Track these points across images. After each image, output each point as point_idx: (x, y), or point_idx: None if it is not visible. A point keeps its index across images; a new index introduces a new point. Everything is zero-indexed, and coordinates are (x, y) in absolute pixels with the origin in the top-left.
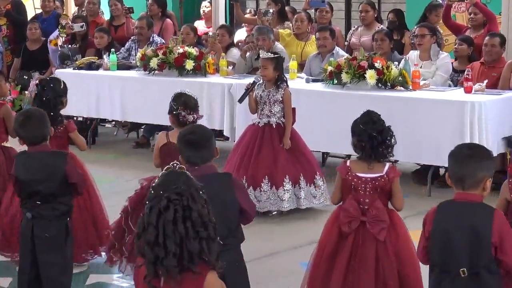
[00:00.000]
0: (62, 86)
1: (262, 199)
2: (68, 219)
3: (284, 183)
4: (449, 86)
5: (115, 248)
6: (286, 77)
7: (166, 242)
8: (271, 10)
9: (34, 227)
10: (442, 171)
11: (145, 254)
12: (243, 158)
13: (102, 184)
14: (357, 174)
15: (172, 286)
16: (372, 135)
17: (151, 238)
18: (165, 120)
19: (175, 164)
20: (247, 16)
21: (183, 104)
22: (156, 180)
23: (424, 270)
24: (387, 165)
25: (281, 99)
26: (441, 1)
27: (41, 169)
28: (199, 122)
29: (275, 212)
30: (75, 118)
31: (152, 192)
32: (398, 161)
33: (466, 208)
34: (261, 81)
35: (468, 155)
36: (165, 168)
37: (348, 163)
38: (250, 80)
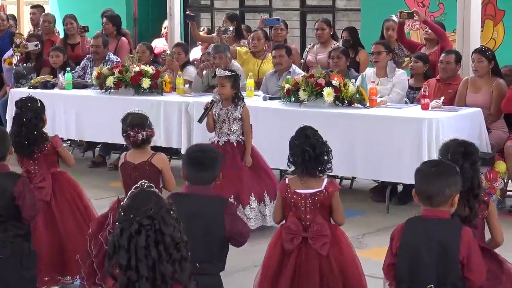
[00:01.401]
0: (39, 105)
1: None
2: (27, 242)
3: (251, 201)
4: (406, 103)
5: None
6: (242, 95)
7: (139, 266)
8: (230, 28)
9: None
10: (400, 187)
11: (116, 277)
12: None
13: None
14: (296, 190)
15: None
16: (304, 149)
17: (123, 262)
18: (122, 139)
19: (143, 183)
20: (202, 33)
21: (130, 124)
22: (125, 200)
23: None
24: (325, 179)
25: (240, 116)
26: (395, 18)
27: None
28: (155, 139)
29: None
30: None
31: (122, 213)
32: (355, 178)
33: (435, 224)
34: (219, 99)
35: (435, 173)
36: (133, 187)
37: (286, 181)
38: (207, 98)
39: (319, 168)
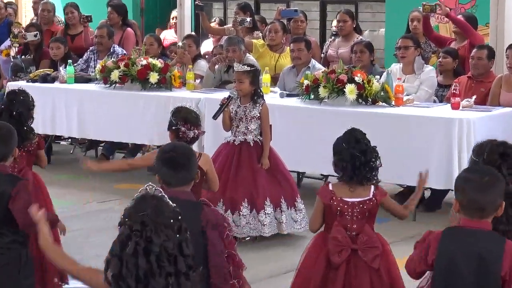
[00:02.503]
0: (29, 98)
1: (241, 224)
2: (25, 248)
3: (265, 206)
4: (434, 102)
5: None
6: (262, 92)
7: (126, 277)
8: (247, 19)
9: None
10: (427, 193)
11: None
12: (219, 179)
13: (58, 207)
14: (342, 198)
15: None
16: (354, 155)
17: (115, 270)
18: (127, 137)
19: (150, 186)
20: (213, 25)
21: (183, 119)
22: (129, 204)
23: None
24: (372, 186)
25: (258, 115)
26: (430, 12)
27: None
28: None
29: (248, 238)
30: None
31: (122, 217)
32: (380, 181)
33: (475, 236)
34: (236, 95)
35: (489, 183)
36: (139, 190)
37: (330, 187)
38: (219, 94)
39: (368, 176)
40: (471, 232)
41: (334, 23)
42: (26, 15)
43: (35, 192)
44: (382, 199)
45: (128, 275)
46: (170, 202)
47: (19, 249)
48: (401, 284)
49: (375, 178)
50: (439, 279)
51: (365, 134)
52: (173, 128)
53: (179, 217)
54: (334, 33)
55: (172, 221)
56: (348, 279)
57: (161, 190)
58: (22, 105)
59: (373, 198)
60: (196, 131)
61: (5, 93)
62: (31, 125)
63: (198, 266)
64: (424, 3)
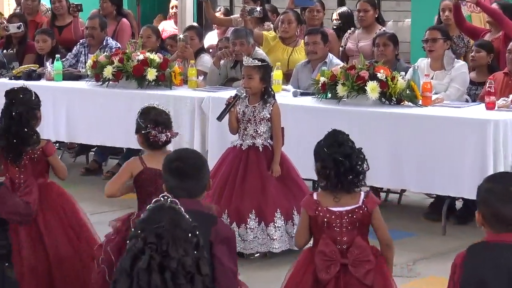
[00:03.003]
0: (34, 97)
1: (249, 239)
2: (6, 264)
3: (275, 219)
4: (467, 101)
5: None
6: (273, 91)
7: None
8: (257, 8)
9: None
10: (459, 203)
11: None
12: (224, 188)
13: None
14: (328, 208)
15: None
16: (337, 160)
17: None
18: (122, 142)
19: (165, 197)
20: (218, 15)
21: (153, 121)
22: (142, 215)
23: None
24: (362, 193)
25: (268, 116)
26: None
27: None
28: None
29: (258, 254)
30: None
31: (133, 230)
32: (405, 191)
33: (504, 250)
34: (245, 94)
35: None
36: (153, 201)
37: (315, 196)
38: (224, 93)
39: (355, 182)
40: (498, 247)
41: (334, 15)
42: (9, 3)
43: (58, 201)
44: (373, 208)
45: None
46: (187, 216)
47: (2, 266)
48: None
49: (363, 183)
50: None
51: (348, 135)
52: (142, 132)
53: (197, 232)
54: (334, 27)
55: (190, 235)
56: None
57: (177, 201)
58: (22, 104)
59: (363, 206)
60: (168, 133)
61: (5, 92)
62: (36, 127)
63: None
64: None
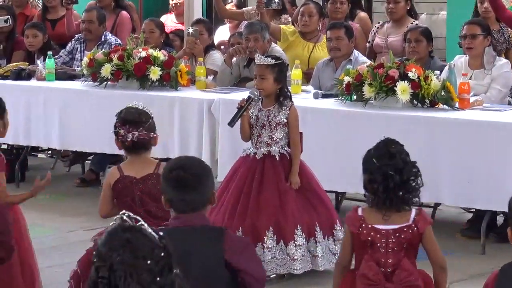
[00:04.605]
0: None
1: (266, 259)
2: None
3: (296, 236)
4: (509, 103)
5: None
6: (290, 92)
7: None
8: (275, 0)
9: None
10: (500, 219)
11: None
12: (237, 203)
13: (36, 236)
14: (374, 226)
15: None
16: (388, 174)
17: None
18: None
19: (124, 216)
20: (229, 8)
21: (121, 120)
22: (100, 238)
23: None
24: (413, 211)
25: (285, 121)
26: None
27: None
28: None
29: (274, 276)
30: None
31: (93, 255)
32: (440, 205)
33: None
34: (258, 96)
35: None
36: (115, 218)
37: (360, 212)
38: (238, 94)
39: (405, 199)
40: None
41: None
42: None
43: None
44: (425, 227)
45: None
46: (153, 233)
47: None
48: None
49: (415, 201)
50: None
51: (402, 146)
52: (113, 131)
53: (162, 254)
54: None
55: (149, 261)
56: None
57: (139, 219)
58: None
59: (413, 226)
60: (136, 133)
61: None
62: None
63: None
64: None
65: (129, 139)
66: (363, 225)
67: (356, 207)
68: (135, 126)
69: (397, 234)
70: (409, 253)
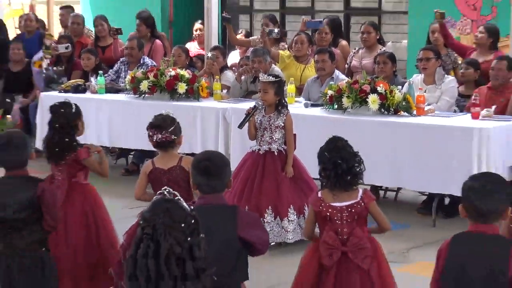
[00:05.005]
0: (74, 110)
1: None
2: (43, 249)
3: (289, 214)
4: (455, 111)
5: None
6: (286, 102)
7: (139, 277)
8: (275, 30)
9: (7, 257)
10: (447, 200)
11: None
12: (244, 188)
13: None
14: (330, 204)
15: None
16: (336, 162)
17: (131, 270)
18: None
19: (166, 191)
20: (239, 37)
21: (149, 124)
22: (146, 208)
23: None
24: (360, 190)
25: (282, 125)
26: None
27: (11, 195)
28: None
29: (273, 243)
30: None
31: (139, 221)
32: (401, 189)
33: (483, 240)
34: (262, 105)
35: (492, 191)
36: (157, 193)
37: (319, 194)
38: (245, 104)
39: (351, 182)
40: (478, 237)
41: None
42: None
43: (83, 200)
44: (370, 203)
45: (140, 275)
46: (186, 205)
47: (40, 252)
48: (392, 285)
49: (360, 182)
50: (449, 282)
51: (346, 141)
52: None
53: (193, 221)
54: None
55: (183, 225)
56: (339, 280)
57: (177, 194)
58: (63, 118)
59: (361, 202)
60: (159, 135)
61: (49, 106)
62: (80, 135)
63: (211, 268)
64: (435, 10)
65: (154, 140)
66: (323, 204)
67: (318, 190)
68: (159, 130)
69: (349, 209)
70: (360, 223)
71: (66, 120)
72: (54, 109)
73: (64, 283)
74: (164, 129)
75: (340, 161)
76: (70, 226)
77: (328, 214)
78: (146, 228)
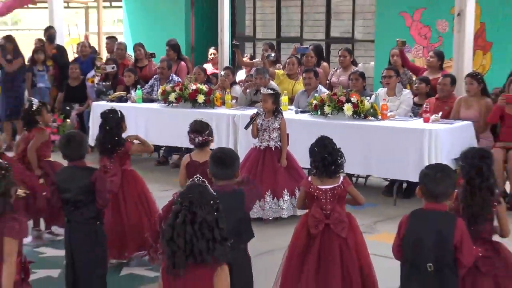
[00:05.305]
0: (119, 115)
1: (266, 208)
2: (98, 222)
3: (284, 195)
4: (411, 116)
5: (153, 249)
6: (281, 109)
7: (177, 239)
8: (272, 54)
9: (70, 230)
10: (405, 185)
11: (164, 250)
12: (249, 175)
13: None
14: (318, 186)
15: (187, 276)
16: (323, 156)
17: (168, 236)
18: (180, 143)
19: (197, 178)
20: (245, 60)
21: (190, 129)
22: (182, 190)
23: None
24: (341, 177)
25: (278, 126)
26: (402, 46)
27: (72, 181)
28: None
29: (271, 218)
30: None
31: (176, 197)
32: (369, 176)
33: (435, 215)
34: (262, 112)
35: (442, 177)
36: (190, 180)
37: (309, 179)
38: (250, 111)
39: (335, 171)
40: (431, 212)
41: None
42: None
43: (134, 182)
44: (348, 186)
45: (178, 238)
46: (211, 190)
47: (95, 225)
48: (364, 249)
49: (341, 171)
50: (407, 249)
51: (331, 139)
52: (188, 135)
53: (217, 201)
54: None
55: (212, 202)
56: (323, 245)
57: (205, 180)
58: (112, 122)
59: (341, 185)
60: (200, 138)
61: (100, 113)
62: (124, 133)
63: (230, 238)
64: (397, 39)
65: (195, 142)
66: (312, 187)
67: (307, 176)
68: (199, 133)
69: (332, 191)
70: (340, 202)
71: (114, 123)
72: (105, 115)
73: (112, 249)
74: (203, 132)
75: (326, 155)
76: (129, 204)
77: (315, 194)
78: (184, 202)
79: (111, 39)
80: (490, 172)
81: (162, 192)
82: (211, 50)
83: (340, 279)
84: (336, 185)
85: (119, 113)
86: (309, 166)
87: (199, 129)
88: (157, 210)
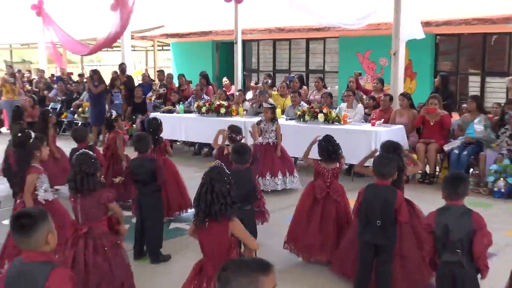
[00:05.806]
0: (159, 122)
1: (266, 184)
2: (159, 193)
3: (278, 175)
4: (363, 122)
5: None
6: (277, 117)
7: (201, 203)
8: (269, 81)
9: (140, 198)
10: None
11: (194, 209)
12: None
13: None
14: (324, 166)
15: (208, 229)
16: (327, 148)
17: (196, 201)
18: (209, 140)
19: (217, 162)
20: (252, 84)
21: (232, 131)
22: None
23: None
24: (338, 163)
25: (275, 129)
26: (358, 76)
27: (141, 167)
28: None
29: (270, 190)
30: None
31: (203, 174)
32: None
33: (382, 188)
34: (264, 119)
35: (386, 163)
36: (212, 164)
37: (319, 162)
38: (257, 119)
39: (336, 157)
40: (379, 187)
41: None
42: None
43: (170, 167)
44: (341, 166)
45: (201, 202)
46: (226, 170)
47: (158, 195)
48: (349, 210)
49: (339, 157)
50: (362, 212)
51: (333, 137)
52: (229, 135)
53: (230, 177)
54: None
55: (225, 178)
56: (324, 207)
57: (222, 164)
58: (155, 126)
59: (338, 167)
60: (240, 136)
61: (146, 120)
62: (160, 135)
63: (237, 203)
64: (355, 71)
65: (237, 139)
66: (320, 166)
67: (317, 160)
68: (239, 133)
69: (332, 170)
70: (336, 178)
71: (156, 126)
72: (149, 121)
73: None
74: (241, 133)
75: (330, 147)
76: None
77: (321, 171)
78: (207, 178)
79: (161, 72)
80: (400, 159)
81: (196, 173)
82: (224, 79)
83: (335, 228)
84: (335, 166)
85: (159, 120)
86: (297, 156)
87: (239, 130)
88: (185, 185)
